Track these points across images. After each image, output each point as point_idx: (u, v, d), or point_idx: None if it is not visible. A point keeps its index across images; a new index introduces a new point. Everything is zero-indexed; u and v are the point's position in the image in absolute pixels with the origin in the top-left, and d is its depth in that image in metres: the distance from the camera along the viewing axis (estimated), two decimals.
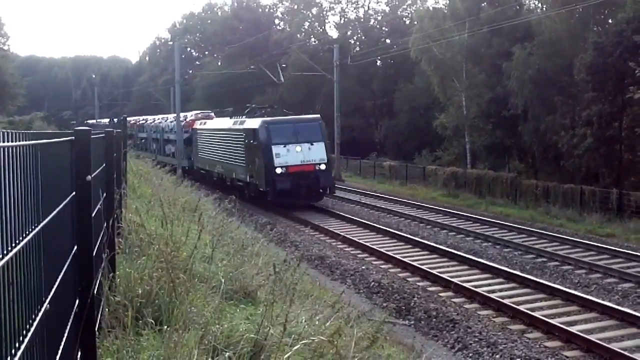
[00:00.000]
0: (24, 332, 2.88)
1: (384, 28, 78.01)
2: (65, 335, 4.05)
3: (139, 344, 5.92)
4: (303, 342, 6.34)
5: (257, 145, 33.09)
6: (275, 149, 32.17)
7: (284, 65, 54.18)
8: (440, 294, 18.10)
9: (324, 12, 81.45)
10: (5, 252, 2.56)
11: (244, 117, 38.21)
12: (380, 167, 53.21)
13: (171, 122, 55.10)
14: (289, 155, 32.26)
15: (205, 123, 46.87)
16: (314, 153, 32.66)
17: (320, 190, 33.28)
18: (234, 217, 16.51)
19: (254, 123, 34.45)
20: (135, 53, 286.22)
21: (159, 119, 62.79)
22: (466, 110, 47.71)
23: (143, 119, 70.49)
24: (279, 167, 31.96)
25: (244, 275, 9.03)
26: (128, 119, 72.37)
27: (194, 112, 54.62)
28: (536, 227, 28.49)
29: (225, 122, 41.08)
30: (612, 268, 20.36)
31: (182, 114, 53.53)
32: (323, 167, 32.71)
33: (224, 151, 39.41)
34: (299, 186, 32.16)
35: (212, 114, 51.30)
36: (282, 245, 23.62)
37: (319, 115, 36.18)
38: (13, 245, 2.71)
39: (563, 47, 40.16)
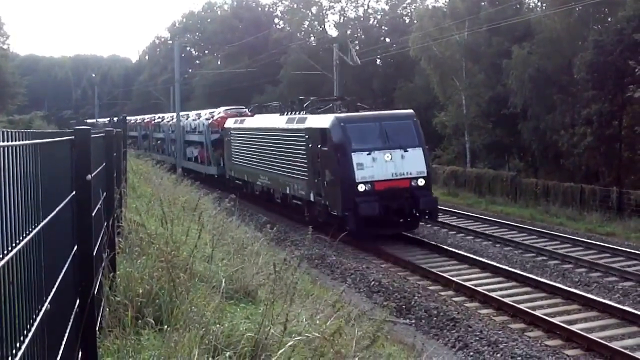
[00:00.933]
0: (25, 332, 2.87)
1: (383, 27, 77.97)
2: (66, 335, 4.04)
3: (140, 344, 5.91)
4: (298, 338, 6.34)
5: (327, 151, 24.51)
6: (357, 158, 23.58)
7: (356, 45, 49.12)
8: (441, 293, 18.12)
9: (324, 11, 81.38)
10: (5, 251, 2.56)
11: (303, 112, 29.48)
12: None
13: (194, 120, 48.94)
14: (375, 167, 23.59)
15: (243, 121, 37.62)
16: (410, 163, 24.02)
17: (417, 214, 24.55)
18: (234, 216, 16.50)
19: (322, 121, 25.67)
20: (135, 52, 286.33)
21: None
22: (466, 109, 47.71)
23: (159, 117, 63.23)
24: (361, 182, 23.36)
25: (244, 275, 9.03)
26: (142, 117, 68.78)
27: (223, 108, 45.61)
28: (536, 225, 28.50)
29: (274, 120, 32.15)
30: (613, 267, 20.37)
31: (208, 111, 47.96)
32: (422, 182, 23.97)
33: (273, 158, 30.96)
34: (389, 210, 23.56)
35: (246, 110, 42.95)
36: (283, 245, 23.62)
37: (412, 111, 27.27)
38: (13, 245, 2.70)
39: (562, 45, 40.16)
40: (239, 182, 37.18)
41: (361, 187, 23.33)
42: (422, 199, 23.69)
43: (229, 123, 39.40)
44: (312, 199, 26.32)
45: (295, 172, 28.06)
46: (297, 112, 30.04)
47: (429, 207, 24.12)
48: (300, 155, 27.35)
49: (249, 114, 40.57)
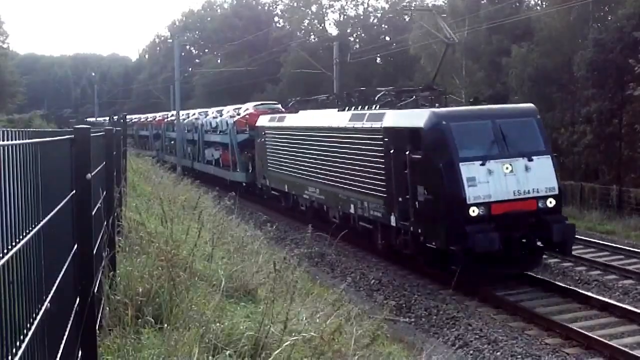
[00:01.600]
0: (25, 331, 2.87)
1: (383, 25, 77.99)
2: (66, 334, 4.04)
3: (140, 343, 5.92)
4: (295, 338, 6.34)
5: (422, 160, 17.81)
6: (467, 170, 17.03)
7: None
8: (441, 292, 18.10)
9: (324, 10, 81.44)
10: (5, 251, 2.56)
11: (376, 106, 22.90)
12: None
13: (214, 117, 43.36)
14: (492, 182, 17.11)
15: (283, 119, 30.70)
16: (536, 176, 17.57)
17: (543, 247, 18.13)
18: (234, 214, 16.50)
19: (411, 118, 19.07)
20: (134, 51, 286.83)
21: (195, 114, 50.61)
22: None
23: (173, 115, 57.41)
24: (474, 204, 16.86)
25: (244, 273, 9.04)
26: (154, 115, 62.34)
27: (252, 104, 39.55)
28: None
29: (330, 117, 25.09)
30: (612, 265, 20.36)
31: (232, 107, 42.16)
32: (552, 203, 17.58)
33: (330, 165, 24.28)
34: (511, 242, 17.02)
35: (280, 107, 37.12)
36: (282, 243, 23.62)
37: (533, 105, 20.27)
38: (13, 244, 2.70)
39: (562, 44, 40.15)
40: (276, 193, 31.22)
41: (474, 211, 16.81)
42: (556, 226, 17.12)
43: (263, 121, 33.09)
44: (392, 223, 19.73)
45: (365, 185, 21.40)
46: (367, 107, 23.34)
47: (565, 238, 17.55)
48: (375, 164, 20.64)
49: (283, 110, 34.73)
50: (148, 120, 66.44)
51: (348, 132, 22.72)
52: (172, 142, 53.59)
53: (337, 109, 25.68)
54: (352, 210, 22.86)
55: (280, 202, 31.18)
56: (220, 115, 41.96)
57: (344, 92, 28.60)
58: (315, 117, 27.29)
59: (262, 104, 38.99)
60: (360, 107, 23.81)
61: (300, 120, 28.48)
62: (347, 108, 24.80)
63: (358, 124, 22.08)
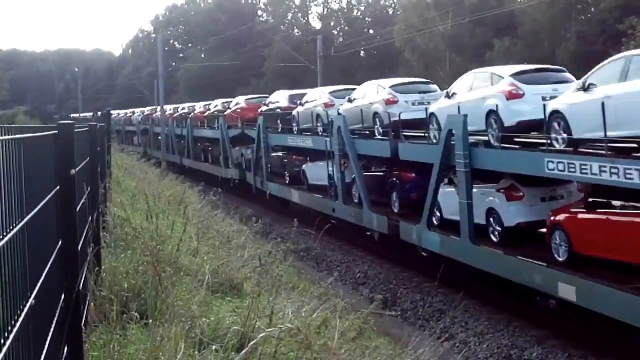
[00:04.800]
0: (10, 327, 2.86)
1: (367, 18, 77.98)
2: (52, 330, 4.03)
3: (126, 338, 5.91)
4: (279, 328, 6.34)
5: None
6: None
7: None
8: (426, 284, 18.11)
9: (307, 3, 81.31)
10: None
11: None
12: None
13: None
14: None
15: None
16: None
17: None
18: (219, 209, 16.46)
19: None
20: (118, 46, 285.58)
21: (330, 93, 25.23)
22: None
23: (260, 98, 34.67)
24: None
25: (230, 268, 9.03)
26: (226, 100, 39.07)
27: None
28: None
29: None
30: None
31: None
32: None
33: None
34: None
35: None
36: (268, 238, 23.55)
37: None
38: None
39: (545, 36, 40.31)
40: None
41: None
42: None
43: None
44: None
45: None
46: None
47: None
48: None
49: None
50: (212, 111, 40.44)
51: None
52: (279, 157, 29.98)
53: None
54: None
55: None
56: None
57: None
58: None
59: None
60: None
61: None
62: None
63: None
